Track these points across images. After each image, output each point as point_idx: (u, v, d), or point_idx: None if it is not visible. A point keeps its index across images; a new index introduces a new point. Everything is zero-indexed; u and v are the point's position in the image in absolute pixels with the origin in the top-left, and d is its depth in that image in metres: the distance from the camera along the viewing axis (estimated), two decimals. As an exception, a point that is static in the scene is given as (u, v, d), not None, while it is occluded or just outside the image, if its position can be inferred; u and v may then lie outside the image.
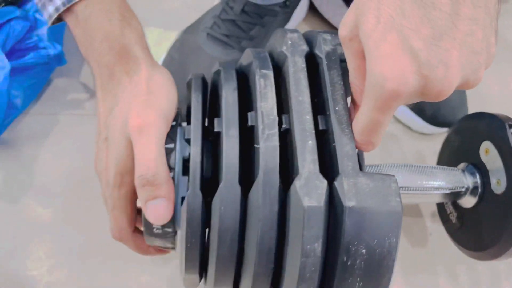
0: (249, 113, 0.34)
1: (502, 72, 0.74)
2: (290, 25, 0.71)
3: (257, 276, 0.32)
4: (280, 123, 0.34)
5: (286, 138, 0.34)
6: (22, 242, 0.54)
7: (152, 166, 0.34)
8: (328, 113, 0.33)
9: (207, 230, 0.35)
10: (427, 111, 0.65)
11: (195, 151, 0.34)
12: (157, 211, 0.35)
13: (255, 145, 0.33)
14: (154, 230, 0.36)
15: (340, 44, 0.35)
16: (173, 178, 0.35)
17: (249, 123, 0.34)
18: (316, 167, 0.31)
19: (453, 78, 0.28)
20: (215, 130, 0.35)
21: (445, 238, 0.55)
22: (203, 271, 0.37)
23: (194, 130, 0.35)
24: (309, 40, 0.37)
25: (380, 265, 0.30)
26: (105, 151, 0.38)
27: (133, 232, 0.40)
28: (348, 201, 0.29)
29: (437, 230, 0.59)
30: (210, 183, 0.35)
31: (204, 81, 0.39)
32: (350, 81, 0.33)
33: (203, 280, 0.39)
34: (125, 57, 0.39)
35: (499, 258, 0.46)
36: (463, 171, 0.50)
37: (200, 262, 0.35)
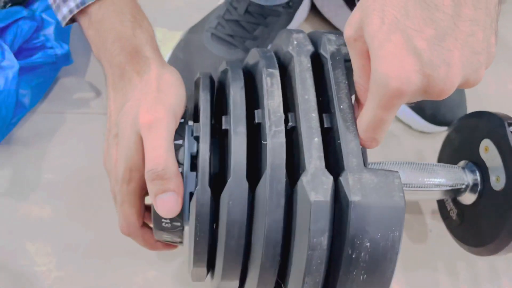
0: (256, 111, 0.35)
1: (501, 72, 0.75)
2: (292, 25, 0.72)
3: (264, 269, 0.33)
4: (286, 121, 0.34)
5: (292, 136, 0.35)
6: (30, 238, 0.55)
7: (162, 160, 0.35)
8: (333, 111, 0.34)
9: (214, 225, 0.36)
10: (427, 110, 0.65)
11: (204, 148, 0.35)
12: (166, 204, 0.35)
13: (263, 142, 0.33)
14: (163, 224, 0.37)
15: (344, 44, 0.36)
16: (181, 173, 0.36)
17: (256, 120, 0.34)
18: (322, 163, 0.32)
19: (455, 77, 0.29)
20: (223, 127, 0.35)
21: (444, 234, 0.56)
22: (210, 265, 0.38)
23: (203, 127, 0.36)
24: (314, 41, 0.38)
25: (383, 258, 0.30)
26: (115, 147, 0.39)
27: (141, 227, 0.41)
28: (353, 195, 0.30)
29: (437, 226, 0.59)
30: (217, 179, 0.36)
31: (211, 80, 0.40)
32: (354, 80, 0.34)
33: (209, 275, 0.40)
34: (136, 57, 0.40)
35: (498, 253, 0.47)
36: (463, 168, 0.50)
37: (208, 256, 0.36)
